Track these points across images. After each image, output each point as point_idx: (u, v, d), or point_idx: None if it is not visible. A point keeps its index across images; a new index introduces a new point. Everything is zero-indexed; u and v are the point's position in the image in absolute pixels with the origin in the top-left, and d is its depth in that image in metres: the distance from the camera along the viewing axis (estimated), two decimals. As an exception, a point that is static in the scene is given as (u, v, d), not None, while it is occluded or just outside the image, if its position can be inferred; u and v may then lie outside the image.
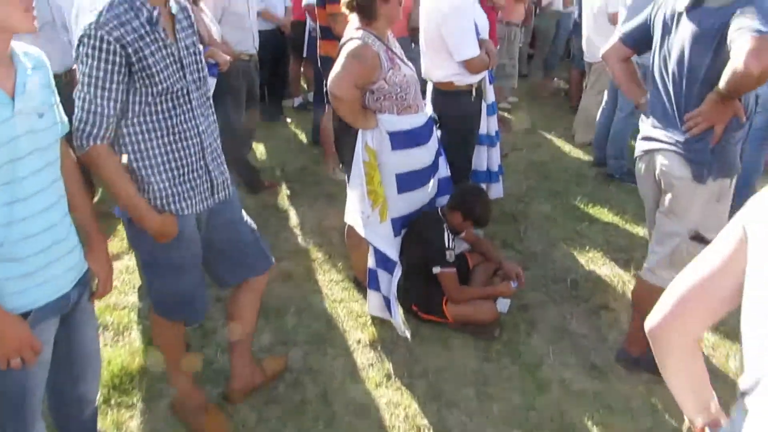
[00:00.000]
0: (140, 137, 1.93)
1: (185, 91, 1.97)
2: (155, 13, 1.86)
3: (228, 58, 3.38)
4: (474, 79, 3.44)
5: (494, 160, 4.10)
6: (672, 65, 2.33)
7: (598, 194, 4.73)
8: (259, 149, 5.62)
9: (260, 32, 4.95)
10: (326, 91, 4.65)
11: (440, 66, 3.38)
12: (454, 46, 3.26)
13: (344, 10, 2.86)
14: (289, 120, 6.49)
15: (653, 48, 2.45)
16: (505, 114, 6.62)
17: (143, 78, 1.85)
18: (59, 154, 1.64)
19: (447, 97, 3.45)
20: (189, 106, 2.00)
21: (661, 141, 2.43)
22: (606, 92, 5.15)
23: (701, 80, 2.24)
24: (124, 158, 1.93)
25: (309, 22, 5.75)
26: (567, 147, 5.81)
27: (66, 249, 1.66)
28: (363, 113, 2.84)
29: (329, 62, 4.62)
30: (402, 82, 2.85)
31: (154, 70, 1.86)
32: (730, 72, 1.98)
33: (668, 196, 2.46)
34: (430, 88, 3.62)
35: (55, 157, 1.61)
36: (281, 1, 5.93)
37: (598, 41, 5.35)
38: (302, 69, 6.91)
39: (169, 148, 1.98)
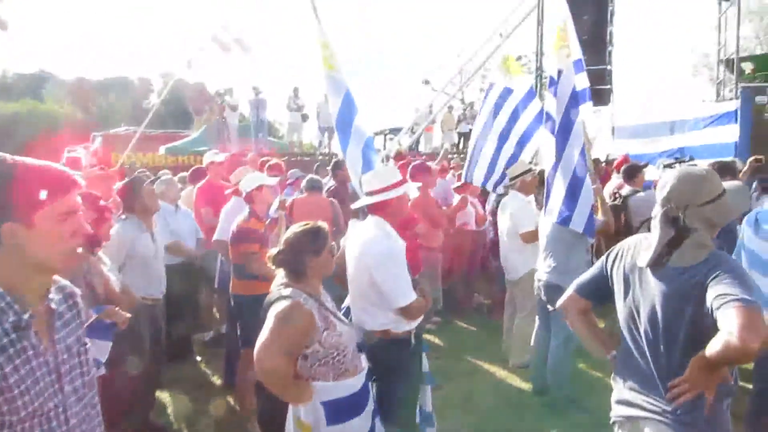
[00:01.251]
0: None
1: (61, 408, 1.47)
2: (25, 317, 1.41)
3: (128, 315, 2.91)
4: (412, 325, 3.10)
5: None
6: (644, 325, 2.12)
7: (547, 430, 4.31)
8: (164, 398, 4.87)
9: (168, 266, 4.56)
10: (240, 334, 4.27)
11: (375, 315, 3.01)
12: (390, 293, 2.93)
13: (270, 265, 2.54)
14: (199, 358, 5.82)
15: (616, 302, 2.25)
16: (433, 337, 6.32)
17: (1, 402, 1.35)
18: None
19: (384, 347, 3.00)
20: (66, 427, 1.48)
21: (645, 409, 2.14)
22: (537, 317, 4.98)
23: (681, 343, 2.03)
24: None
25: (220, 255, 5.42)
26: (502, 372, 5.46)
27: None
28: (296, 385, 2.41)
29: (242, 301, 4.28)
30: (338, 344, 2.48)
31: (17, 391, 1.36)
32: (723, 346, 1.77)
33: (664, 472, 2.10)
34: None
35: None
36: (192, 234, 5.61)
37: (514, 259, 5.45)
38: (215, 298, 6.42)
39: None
